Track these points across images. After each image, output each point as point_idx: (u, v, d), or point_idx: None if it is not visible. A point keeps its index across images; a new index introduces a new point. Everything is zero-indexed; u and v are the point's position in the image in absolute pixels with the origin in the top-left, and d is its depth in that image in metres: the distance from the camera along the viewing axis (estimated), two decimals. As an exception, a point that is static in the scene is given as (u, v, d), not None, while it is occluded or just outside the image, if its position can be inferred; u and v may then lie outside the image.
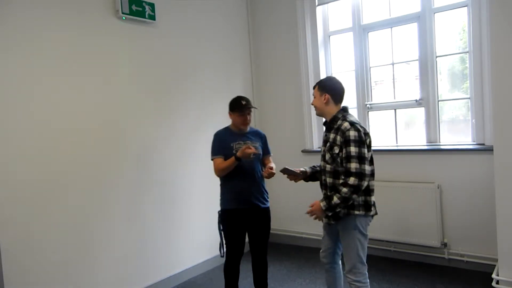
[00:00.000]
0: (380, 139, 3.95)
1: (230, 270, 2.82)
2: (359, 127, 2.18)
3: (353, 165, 2.11)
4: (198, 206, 3.74)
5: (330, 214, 2.23)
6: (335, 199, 2.15)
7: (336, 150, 2.20)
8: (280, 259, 3.98)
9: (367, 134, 2.22)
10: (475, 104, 3.32)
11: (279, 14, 4.31)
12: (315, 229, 4.25)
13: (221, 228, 2.82)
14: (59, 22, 2.76)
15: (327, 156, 2.28)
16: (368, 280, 2.34)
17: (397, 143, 3.85)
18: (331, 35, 4.21)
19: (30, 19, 2.61)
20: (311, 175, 2.52)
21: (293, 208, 4.40)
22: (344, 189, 2.12)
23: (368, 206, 2.25)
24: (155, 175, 3.39)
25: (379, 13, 3.88)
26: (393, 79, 3.88)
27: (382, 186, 3.64)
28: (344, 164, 2.17)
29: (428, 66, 3.57)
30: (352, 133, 2.14)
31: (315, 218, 2.36)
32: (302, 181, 4.18)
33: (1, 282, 2.41)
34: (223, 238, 2.83)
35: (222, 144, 2.74)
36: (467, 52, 3.42)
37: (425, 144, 3.64)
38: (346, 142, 2.15)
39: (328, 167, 2.28)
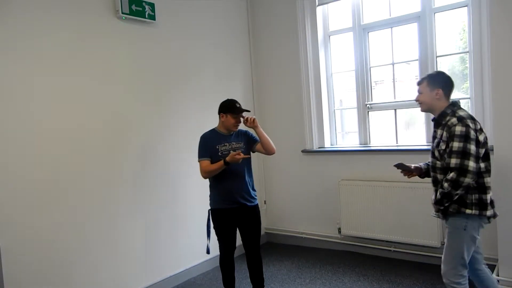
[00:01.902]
0: (380, 139, 3.95)
1: (225, 263, 2.94)
2: (469, 123, 2.10)
3: (453, 160, 2.07)
4: (198, 206, 3.74)
5: (441, 208, 2.20)
6: (438, 194, 2.16)
7: (443, 146, 2.17)
8: (280, 259, 3.98)
9: (478, 130, 2.13)
10: (475, 104, 3.32)
11: (279, 14, 4.31)
12: (315, 229, 4.26)
13: (209, 226, 2.93)
14: (59, 22, 2.76)
15: (436, 153, 2.25)
16: (467, 282, 2.21)
17: (397, 143, 3.85)
18: (331, 35, 4.21)
19: (29, 19, 2.61)
20: (426, 171, 2.48)
21: (293, 208, 4.41)
22: (445, 184, 2.11)
23: (483, 205, 2.13)
24: (156, 176, 3.39)
25: (379, 13, 3.88)
26: (393, 79, 3.87)
27: (382, 186, 3.65)
28: (446, 159, 2.14)
29: (428, 66, 3.56)
30: (459, 128, 2.08)
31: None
32: (302, 181, 4.25)
33: (1, 282, 2.41)
34: (209, 235, 2.94)
35: (208, 146, 2.84)
36: (467, 52, 3.42)
37: (425, 144, 3.63)
38: (451, 137, 2.10)
39: (438, 163, 2.25)
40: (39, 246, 2.62)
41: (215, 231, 2.90)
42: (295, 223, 4.40)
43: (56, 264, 2.71)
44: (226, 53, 4.19)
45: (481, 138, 2.12)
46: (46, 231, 2.66)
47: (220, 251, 2.93)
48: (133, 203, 3.22)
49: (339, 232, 4.02)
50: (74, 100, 2.84)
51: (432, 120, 2.34)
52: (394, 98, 3.87)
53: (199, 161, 2.83)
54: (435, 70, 2.38)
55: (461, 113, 2.17)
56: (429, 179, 3.41)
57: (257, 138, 2.93)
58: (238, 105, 2.84)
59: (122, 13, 3.07)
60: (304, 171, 4.28)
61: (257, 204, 2.96)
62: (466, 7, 3.36)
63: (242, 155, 2.65)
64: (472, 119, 2.15)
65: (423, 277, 3.30)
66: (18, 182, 2.54)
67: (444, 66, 3.65)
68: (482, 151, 2.13)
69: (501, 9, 2.65)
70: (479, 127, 2.15)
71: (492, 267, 3.03)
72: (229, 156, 2.66)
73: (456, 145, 2.06)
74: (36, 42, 2.64)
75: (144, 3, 3.23)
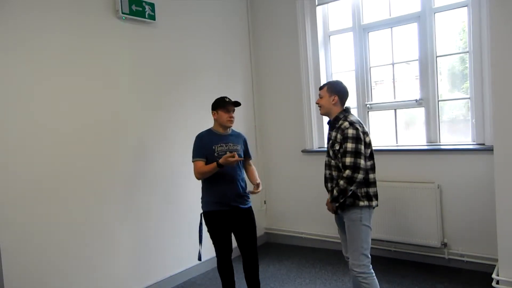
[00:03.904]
0: (380, 139, 3.95)
1: (223, 268, 2.89)
2: (358, 127, 2.38)
3: (348, 159, 2.33)
4: (199, 206, 3.73)
5: (336, 204, 2.43)
6: (335, 192, 2.39)
7: (337, 146, 2.42)
8: (280, 259, 3.98)
9: (365, 133, 2.41)
10: (475, 104, 3.32)
11: (279, 14, 4.31)
12: (315, 229, 4.26)
13: (201, 230, 2.87)
14: (59, 22, 2.76)
15: (331, 152, 2.49)
16: (372, 272, 2.44)
17: (397, 143, 3.85)
18: (331, 35, 4.21)
19: (30, 19, 2.61)
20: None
21: (293, 208, 4.41)
22: (341, 182, 2.35)
23: (369, 197, 2.43)
24: (156, 176, 3.40)
25: (379, 13, 3.88)
26: (393, 79, 3.87)
27: (382, 186, 3.61)
28: (341, 159, 2.39)
29: (428, 66, 3.57)
30: (350, 131, 2.35)
31: (330, 211, 2.56)
32: (302, 181, 4.25)
33: (1, 282, 2.41)
34: (201, 241, 2.88)
35: (204, 146, 2.79)
36: (467, 52, 3.42)
37: (425, 144, 3.64)
38: (345, 139, 2.36)
39: (332, 162, 2.49)
40: (39, 246, 2.62)
41: (210, 234, 2.83)
42: (295, 223, 4.40)
43: (56, 264, 2.71)
44: (226, 53, 4.19)
45: (367, 140, 2.41)
46: (46, 231, 2.66)
47: (216, 256, 2.86)
48: (133, 203, 3.22)
49: (339, 232, 4.02)
50: (74, 100, 2.84)
51: (328, 123, 2.59)
52: (394, 98, 3.87)
53: (193, 162, 2.79)
54: (335, 79, 2.76)
55: (351, 118, 2.45)
56: (428, 181, 3.45)
57: (251, 155, 3.03)
58: (227, 99, 2.82)
59: (122, 13, 3.07)
60: (304, 171, 4.28)
61: (251, 206, 2.91)
62: (466, 7, 3.36)
63: (237, 158, 2.60)
64: (360, 123, 2.43)
65: (423, 277, 3.30)
66: (18, 182, 2.54)
67: (444, 66, 3.65)
68: (368, 151, 2.43)
69: (501, 9, 2.64)
70: (366, 130, 2.44)
71: (492, 267, 3.04)
72: (222, 158, 2.61)
73: (349, 146, 2.34)
74: (36, 42, 2.64)
75: (144, 3, 3.23)
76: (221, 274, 2.91)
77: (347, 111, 2.50)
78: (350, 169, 2.31)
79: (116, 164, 3.10)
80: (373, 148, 2.48)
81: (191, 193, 3.69)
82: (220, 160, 2.61)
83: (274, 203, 4.57)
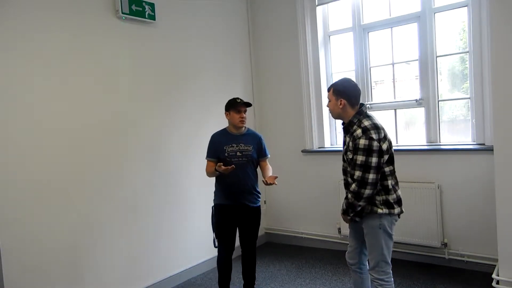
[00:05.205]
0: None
1: (222, 263, 2.97)
2: (372, 134, 2.15)
3: (357, 173, 2.17)
4: (198, 206, 3.74)
5: (349, 217, 2.34)
6: (343, 205, 2.31)
7: (350, 155, 2.25)
8: (280, 259, 3.98)
9: (382, 139, 2.18)
10: (475, 104, 3.32)
11: (279, 14, 4.31)
12: (315, 229, 4.26)
13: (213, 222, 2.98)
14: (59, 22, 2.76)
15: (345, 157, 2.34)
16: (392, 279, 2.33)
17: (397, 143, 3.85)
18: (331, 35, 4.21)
19: (29, 19, 2.60)
20: None
21: (293, 208, 4.40)
22: (349, 195, 2.24)
23: (389, 204, 2.25)
24: (156, 176, 3.39)
25: (379, 13, 3.88)
26: (393, 79, 3.87)
27: (382, 186, 3.65)
28: (351, 170, 2.25)
29: (428, 66, 3.57)
30: (362, 142, 2.14)
31: (345, 222, 2.47)
32: (302, 181, 4.25)
33: (1, 282, 2.41)
34: (214, 232, 2.98)
35: (216, 146, 2.90)
36: (467, 52, 3.42)
37: (425, 144, 3.64)
38: (356, 149, 2.18)
39: (348, 168, 2.34)
40: (40, 246, 2.62)
41: (216, 228, 2.93)
42: (295, 223, 4.40)
43: (56, 264, 2.71)
44: (226, 53, 4.19)
45: (384, 146, 2.18)
46: (47, 231, 2.66)
47: (218, 251, 2.95)
48: (133, 203, 3.22)
49: (339, 232, 4.02)
50: (74, 100, 2.84)
51: (342, 124, 2.38)
52: (394, 98, 3.87)
53: (206, 159, 2.95)
54: (342, 78, 2.45)
55: (366, 123, 2.20)
56: (428, 181, 3.45)
57: (268, 153, 3.04)
58: (238, 100, 2.89)
59: (122, 13, 3.07)
60: (304, 171, 4.28)
61: (259, 205, 2.99)
62: (466, 7, 3.36)
63: (225, 168, 2.64)
64: (376, 128, 2.19)
65: (423, 277, 3.30)
66: (18, 182, 2.53)
67: (444, 66, 3.65)
68: (386, 157, 2.22)
69: (501, 9, 2.64)
70: (382, 135, 2.19)
71: (492, 267, 3.04)
72: (218, 165, 2.71)
73: (359, 158, 2.15)
74: (36, 42, 2.64)
75: (144, 3, 3.23)
76: (220, 269, 2.99)
77: (361, 113, 2.26)
78: (357, 184, 2.16)
79: (115, 164, 3.10)
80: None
81: (191, 193, 3.70)
82: (216, 167, 2.73)
83: (274, 203, 4.57)
